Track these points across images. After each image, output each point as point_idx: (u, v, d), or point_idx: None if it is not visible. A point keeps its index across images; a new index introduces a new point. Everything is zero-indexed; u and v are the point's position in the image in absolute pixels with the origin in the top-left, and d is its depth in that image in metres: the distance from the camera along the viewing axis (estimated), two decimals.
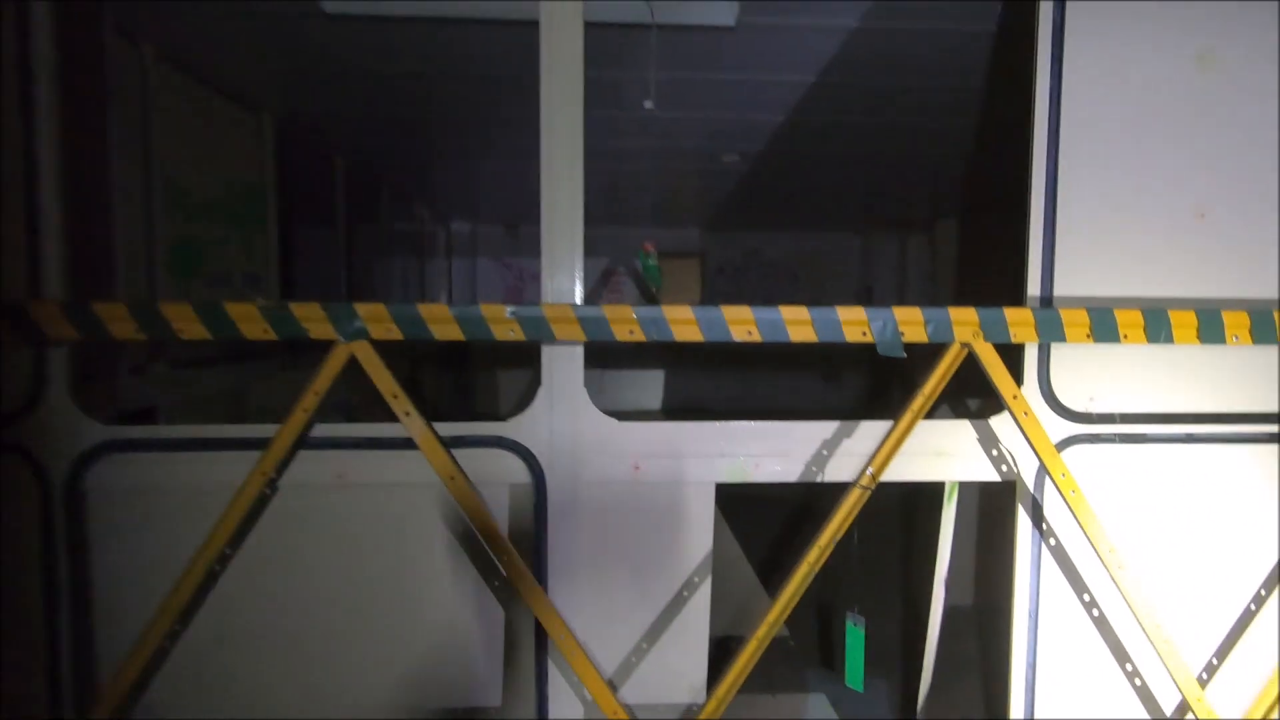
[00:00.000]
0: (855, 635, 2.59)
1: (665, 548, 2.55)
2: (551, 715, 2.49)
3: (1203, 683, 2.53)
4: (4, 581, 2.31)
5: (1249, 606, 2.60)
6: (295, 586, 2.45)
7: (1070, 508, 2.31)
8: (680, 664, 2.59)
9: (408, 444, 2.31)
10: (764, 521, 4.43)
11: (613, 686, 2.45)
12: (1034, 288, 2.50)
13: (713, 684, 2.52)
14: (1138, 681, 2.60)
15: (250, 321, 2.00)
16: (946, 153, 6.26)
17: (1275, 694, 2.38)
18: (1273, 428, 2.53)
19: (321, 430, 2.35)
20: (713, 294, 11.22)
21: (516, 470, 2.45)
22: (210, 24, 3.81)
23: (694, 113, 5.23)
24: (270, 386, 4.51)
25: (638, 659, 2.59)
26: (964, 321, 2.14)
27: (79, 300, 2.12)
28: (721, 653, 2.84)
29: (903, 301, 10.85)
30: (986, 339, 2.15)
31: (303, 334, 2.00)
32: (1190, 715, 2.43)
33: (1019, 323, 2.16)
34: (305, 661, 2.46)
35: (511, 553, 2.23)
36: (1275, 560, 2.60)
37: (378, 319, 2.04)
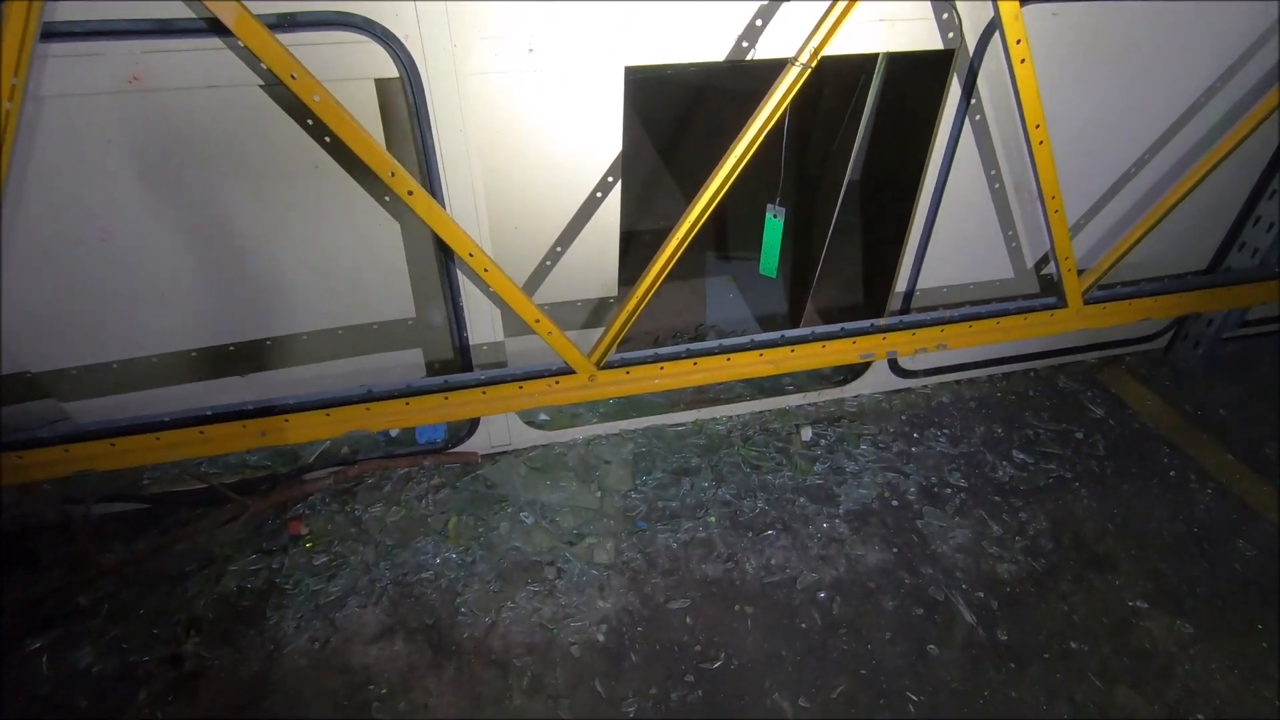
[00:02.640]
0: (774, 227, 2.56)
1: (571, 147, 2.24)
2: (468, 323, 2.45)
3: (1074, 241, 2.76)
4: None
5: (1129, 169, 2.74)
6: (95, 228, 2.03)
7: (1013, 74, 2.13)
8: (592, 264, 2.54)
9: (220, 29, 1.70)
10: (678, 105, 4.08)
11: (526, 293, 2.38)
12: None
13: (624, 280, 2.53)
14: (1013, 244, 2.83)
15: None
16: None
17: (1124, 249, 2.66)
18: None
19: (87, 9, 1.67)
20: None
21: (380, 61, 1.92)
22: None
23: None
24: None
25: (551, 263, 2.50)
26: None
27: None
28: (629, 245, 2.78)
29: None
30: None
31: None
32: (1052, 266, 2.70)
33: None
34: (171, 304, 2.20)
35: (397, 168, 1.87)
36: (1159, 133, 2.66)
37: None
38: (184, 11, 1.72)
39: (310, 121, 1.95)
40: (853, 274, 3.68)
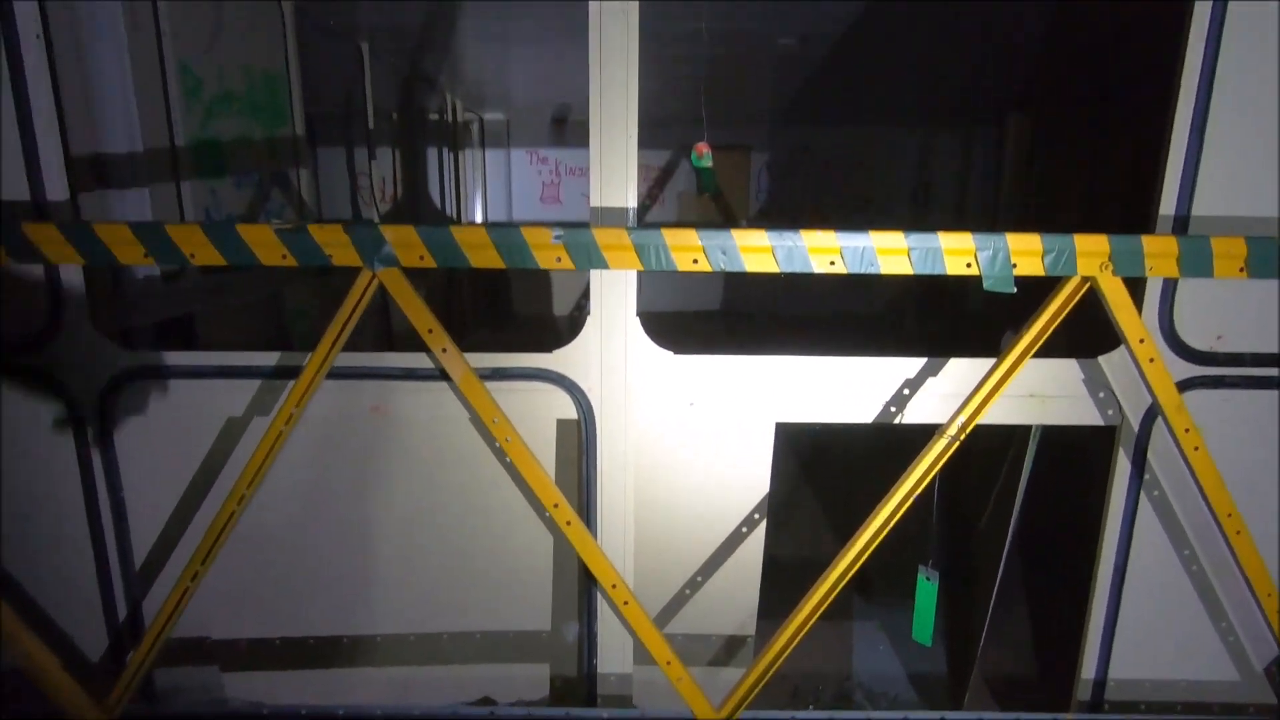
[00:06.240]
0: (927, 589, 2.43)
1: (721, 489, 2.38)
2: (599, 649, 2.43)
3: None
4: (40, 521, 2.26)
5: None
6: (333, 517, 2.37)
7: (1189, 462, 2.03)
8: (732, 598, 2.49)
9: (448, 375, 2.13)
10: (831, 459, 4.25)
11: (661, 626, 2.35)
12: (1169, 205, 2.11)
13: (763, 610, 2.43)
14: (1230, 639, 2.42)
15: (267, 247, 1.77)
16: (1026, 36, 5.52)
17: None
18: None
19: (355, 359, 2.18)
20: (760, 192, 10.63)
21: (563, 405, 2.26)
22: None
23: None
24: (315, 289, 4.35)
25: (690, 591, 2.49)
26: (1092, 252, 1.80)
27: (80, 220, 1.91)
28: (770, 572, 2.71)
29: (964, 204, 10.14)
30: (1116, 272, 1.81)
31: (324, 261, 1.77)
32: None
33: (1159, 254, 1.80)
34: (342, 590, 2.42)
35: (560, 500, 2.08)
36: None
37: (407, 244, 1.79)
38: (425, 362, 2.18)
39: (498, 448, 2.27)
40: (1022, 644, 3.26)
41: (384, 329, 4.93)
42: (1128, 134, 6.36)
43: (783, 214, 10.45)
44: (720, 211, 10.44)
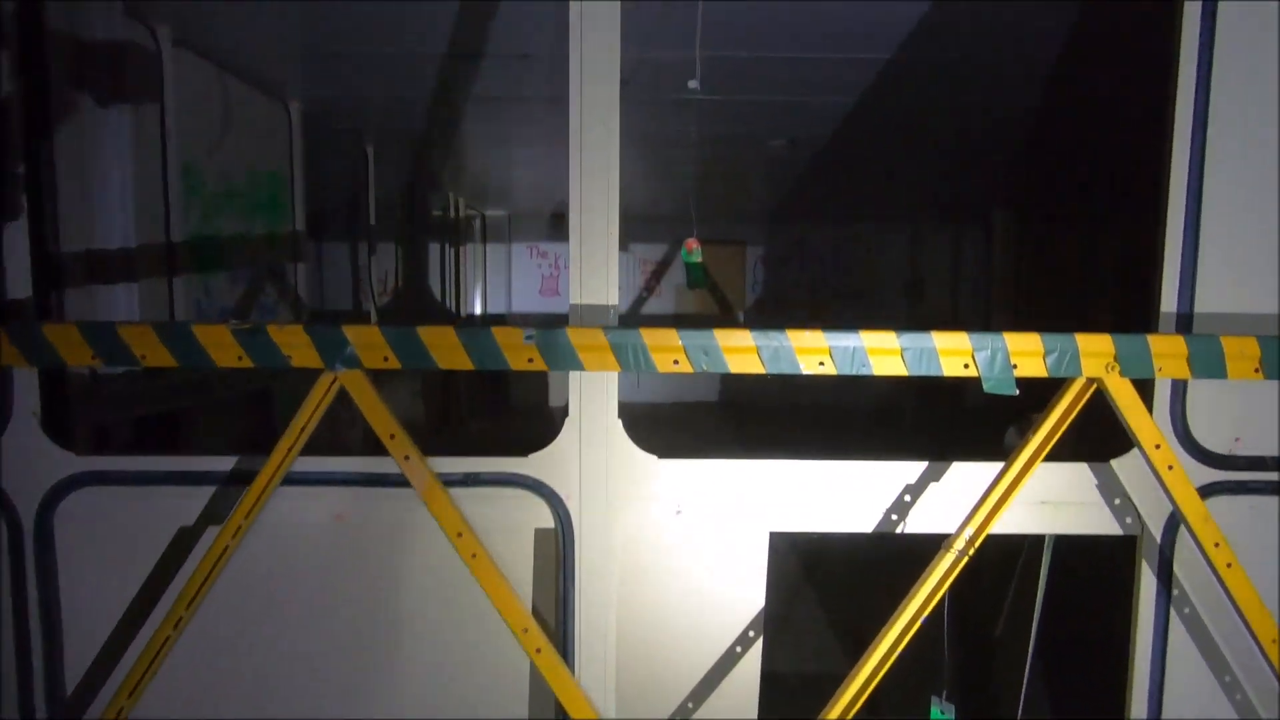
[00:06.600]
0: None
1: (712, 604, 2.19)
2: None
3: None
4: None
5: None
6: (290, 634, 2.16)
7: (1223, 581, 1.86)
8: None
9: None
10: (831, 569, 4.02)
11: None
12: (1169, 301, 2.04)
13: None
14: None
15: (222, 347, 1.68)
16: (1009, 135, 5.70)
17: None
18: None
19: (318, 464, 2.05)
20: (756, 285, 10.78)
21: (541, 514, 2.11)
22: (224, 4, 3.54)
23: (742, 95, 4.80)
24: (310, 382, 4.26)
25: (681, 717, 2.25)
26: (1096, 352, 1.70)
27: (24, 321, 1.83)
28: (769, 687, 2.47)
29: (957, 298, 10.26)
30: (1124, 374, 1.71)
31: (283, 363, 1.68)
32: None
33: (1168, 354, 1.71)
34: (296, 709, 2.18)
35: (530, 625, 1.89)
36: None
37: (371, 345, 1.70)
38: (392, 467, 2.05)
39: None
40: None
41: None
42: (1111, 228, 6.47)
43: (778, 306, 10.60)
44: (717, 303, 10.55)
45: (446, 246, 8.95)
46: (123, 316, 3.15)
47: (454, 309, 9.26)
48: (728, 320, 10.51)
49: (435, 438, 7.03)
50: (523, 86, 4.65)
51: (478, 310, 10.16)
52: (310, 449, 1.94)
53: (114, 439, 3.17)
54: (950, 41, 3.78)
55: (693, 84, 3.61)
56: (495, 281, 10.59)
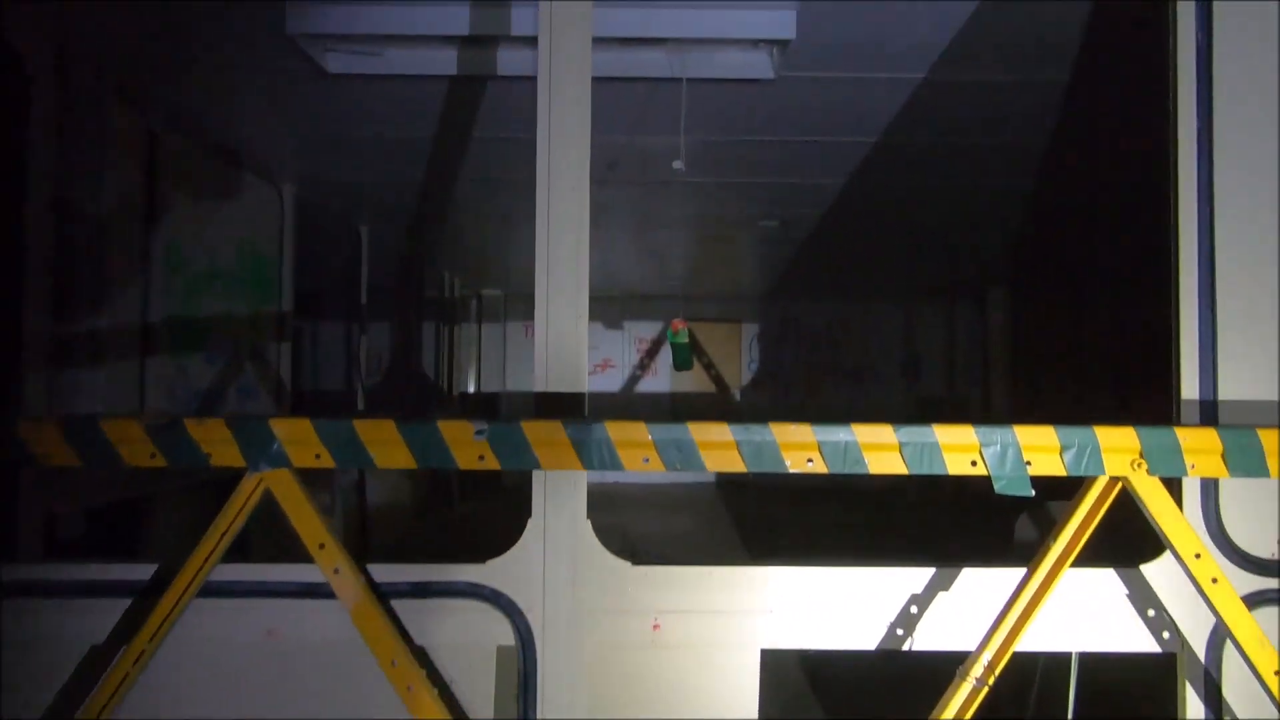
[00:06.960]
0: None
1: None
2: None
3: None
4: None
5: None
6: None
7: (1275, 698, 1.60)
8: None
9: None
10: (832, 690, 3.67)
11: None
12: (1190, 389, 1.86)
13: None
14: None
15: (132, 444, 1.49)
16: (1003, 213, 5.71)
17: None
18: None
19: (247, 572, 1.82)
20: (751, 363, 10.69)
21: (501, 630, 1.86)
22: (214, 89, 3.55)
23: (728, 176, 4.81)
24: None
25: None
26: (1119, 448, 1.51)
27: None
28: None
29: (953, 374, 10.12)
30: (1151, 471, 1.51)
31: (202, 462, 1.49)
32: None
33: (1200, 449, 1.52)
34: None
35: None
36: None
37: (301, 441, 1.51)
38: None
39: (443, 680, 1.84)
40: None
41: None
42: (1106, 305, 6.40)
43: (774, 382, 10.46)
44: (713, 381, 10.41)
45: (441, 326, 8.88)
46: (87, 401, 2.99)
47: (447, 388, 9.11)
48: (723, 399, 10.33)
49: (418, 521, 6.71)
50: (518, 168, 4.66)
51: (471, 389, 10.01)
52: (246, 554, 1.73)
53: (58, 536, 2.94)
54: (939, 123, 3.78)
55: (678, 165, 3.58)
56: (491, 359, 10.48)
